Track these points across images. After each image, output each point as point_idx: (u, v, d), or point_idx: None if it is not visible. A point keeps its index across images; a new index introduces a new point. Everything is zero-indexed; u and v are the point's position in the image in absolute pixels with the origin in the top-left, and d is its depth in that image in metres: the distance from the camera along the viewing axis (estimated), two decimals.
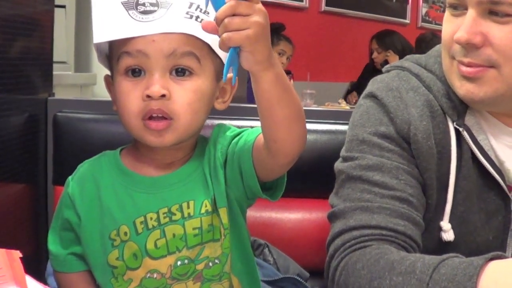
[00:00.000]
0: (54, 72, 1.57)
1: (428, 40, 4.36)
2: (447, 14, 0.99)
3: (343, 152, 1.05)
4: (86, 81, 2.74)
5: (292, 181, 1.39)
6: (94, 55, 0.99)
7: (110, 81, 0.97)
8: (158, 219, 0.94)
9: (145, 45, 0.87)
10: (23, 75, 1.35)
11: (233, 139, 0.96)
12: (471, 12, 0.92)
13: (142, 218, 0.94)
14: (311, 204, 1.41)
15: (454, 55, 0.97)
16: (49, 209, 1.44)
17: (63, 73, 2.46)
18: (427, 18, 6.34)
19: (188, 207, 0.94)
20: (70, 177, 1.02)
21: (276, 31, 4.06)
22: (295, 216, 1.40)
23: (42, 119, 1.43)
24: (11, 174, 1.30)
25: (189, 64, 0.90)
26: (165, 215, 0.94)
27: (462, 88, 0.97)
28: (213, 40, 0.90)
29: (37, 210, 1.44)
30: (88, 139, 1.32)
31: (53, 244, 1.02)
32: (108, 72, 0.98)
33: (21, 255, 0.68)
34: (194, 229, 0.94)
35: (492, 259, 0.78)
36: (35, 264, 1.40)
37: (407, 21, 6.09)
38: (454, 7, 0.96)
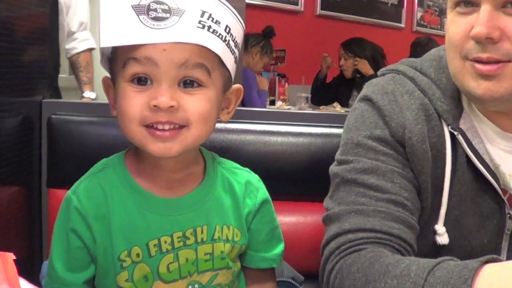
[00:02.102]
0: None
1: (423, 44, 4.37)
2: (452, 15, 0.96)
3: (338, 155, 1.05)
4: None
5: (287, 184, 1.40)
6: None
7: (109, 84, 0.93)
8: (172, 243, 0.92)
9: (155, 53, 0.83)
10: (17, 77, 1.35)
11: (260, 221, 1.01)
12: (485, 7, 0.90)
13: (156, 241, 0.91)
14: (306, 207, 1.41)
15: (467, 55, 0.94)
16: (43, 212, 1.44)
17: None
18: (422, 22, 6.37)
19: (202, 232, 0.94)
20: (70, 193, 0.93)
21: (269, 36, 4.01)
22: (289, 219, 1.39)
23: (37, 121, 1.42)
24: (5, 176, 1.29)
25: (199, 77, 0.86)
26: (179, 239, 0.92)
27: (480, 88, 0.94)
28: (223, 52, 0.87)
29: (31, 213, 1.43)
30: (82, 142, 1.32)
31: (65, 273, 0.92)
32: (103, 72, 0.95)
33: (14, 257, 0.67)
34: (205, 254, 0.94)
35: (487, 262, 0.77)
36: (28, 266, 1.39)
37: (402, 25, 6.12)
38: (465, 2, 0.94)
